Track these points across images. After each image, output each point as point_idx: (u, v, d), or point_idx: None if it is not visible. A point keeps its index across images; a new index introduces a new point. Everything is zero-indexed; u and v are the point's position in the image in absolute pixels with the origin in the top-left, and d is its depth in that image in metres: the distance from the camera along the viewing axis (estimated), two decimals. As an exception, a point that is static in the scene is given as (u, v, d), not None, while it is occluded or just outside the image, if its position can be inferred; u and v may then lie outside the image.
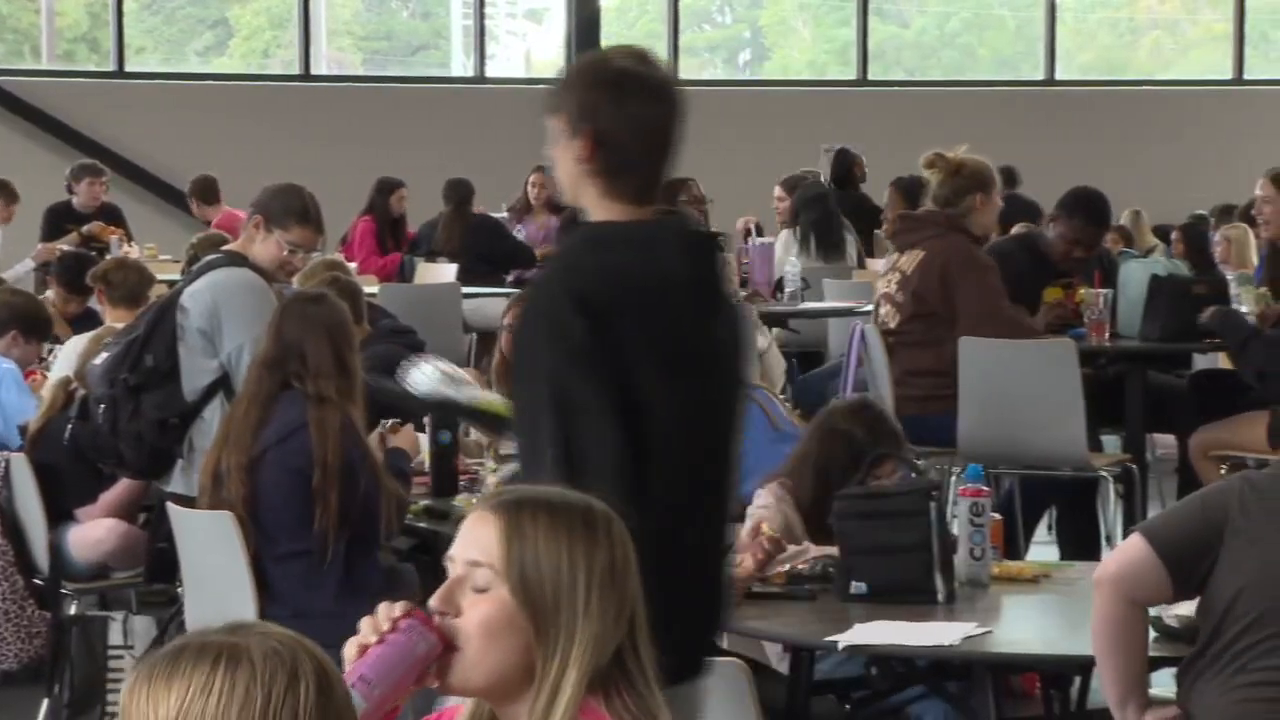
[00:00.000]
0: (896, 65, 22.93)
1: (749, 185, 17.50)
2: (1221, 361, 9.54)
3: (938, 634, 4.58)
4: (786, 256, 11.73)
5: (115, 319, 7.92)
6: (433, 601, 2.59)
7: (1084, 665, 4.48)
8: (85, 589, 7.16)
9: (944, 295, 7.91)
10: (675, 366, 3.55)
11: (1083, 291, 8.35)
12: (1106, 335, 8.29)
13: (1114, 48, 23.95)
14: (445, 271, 13.48)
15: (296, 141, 18.56)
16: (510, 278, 13.45)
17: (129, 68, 19.28)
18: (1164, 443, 9.94)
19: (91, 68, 19.86)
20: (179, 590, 6.39)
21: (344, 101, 19.83)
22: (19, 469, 7.05)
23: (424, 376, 5.95)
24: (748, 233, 13.18)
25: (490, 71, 21.31)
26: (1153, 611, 4.44)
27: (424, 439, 6.64)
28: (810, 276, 11.08)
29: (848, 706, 5.25)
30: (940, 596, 4.88)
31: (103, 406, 6.24)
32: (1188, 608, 4.38)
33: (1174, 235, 14.96)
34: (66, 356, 7.86)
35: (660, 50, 21.51)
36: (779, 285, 10.67)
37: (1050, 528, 8.78)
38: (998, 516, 5.28)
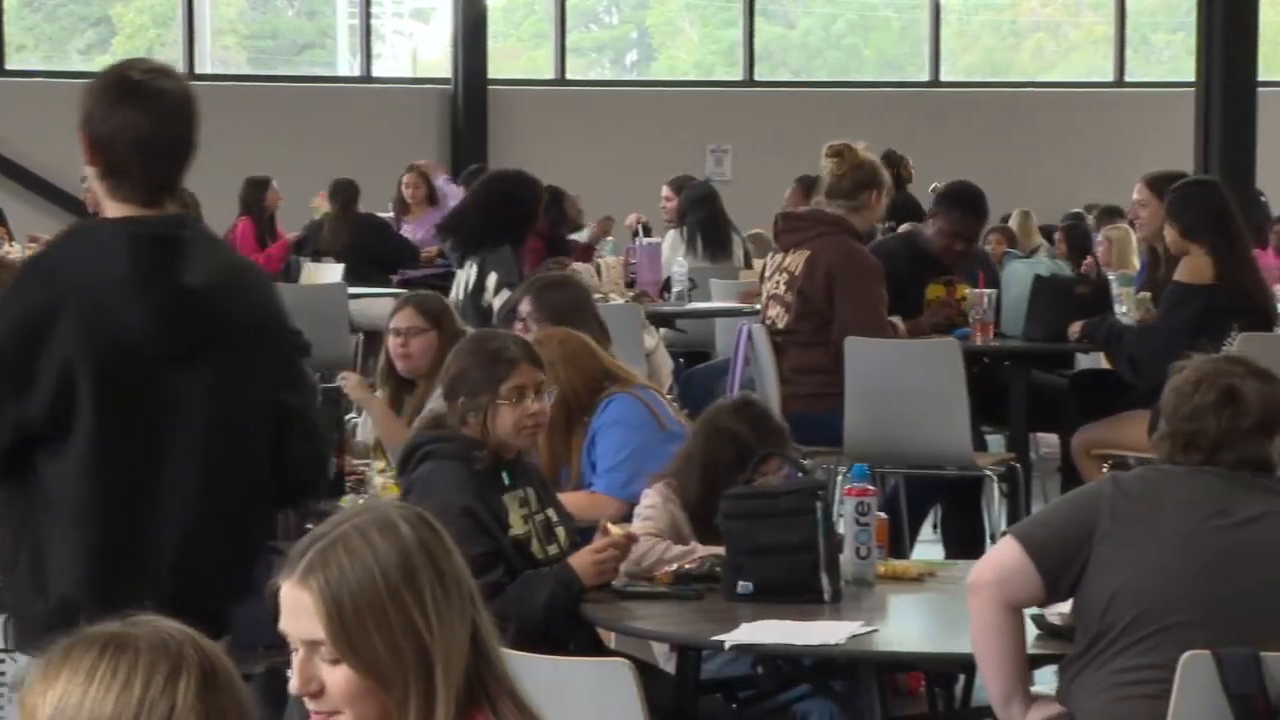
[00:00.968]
0: (783, 66, 23.01)
1: (636, 185, 17.53)
2: (1103, 361, 9.63)
3: (824, 633, 4.60)
4: (674, 257, 11.75)
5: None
6: (293, 688, 2.58)
7: (968, 664, 4.51)
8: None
9: (828, 299, 7.94)
10: (106, 360, 3.80)
11: (967, 291, 8.40)
12: (991, 335, 8.35)
13: (997, 49, 24.13)
14: (331, 272, 13.41)
15: (180, 140, 18.42)
16: (396, 278, 13.39)
17: (10, 65, 19.09)
18: (1047, 442, 10.02)
19: (-29, 65, 19.65)
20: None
21: (229, 101, 19.68)
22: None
23: None
24: (635, 233, 13.20)
25: (376, 71, 21.24)
26: (1035, 610, 4.47)
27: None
28: (697, 276, 11.10)
29: (734, 706, 5.26)
30: (826, 595, 4.89)
31: None
32: (1070, 606, 4.42)
33: (1056, 235, 15.11)
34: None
35: (548, 50, 21.55)
36: (666, 285, 10.68)
37: (935, 526, 8.84)
38: (883, 515, 5.30)
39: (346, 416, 8.18)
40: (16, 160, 18.23)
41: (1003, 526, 8.10)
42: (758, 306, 8.69)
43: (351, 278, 12.91)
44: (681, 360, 10.92)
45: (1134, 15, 23.10)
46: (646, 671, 4.73)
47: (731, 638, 4.57)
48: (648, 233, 13.11)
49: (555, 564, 4.99)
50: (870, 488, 5.22)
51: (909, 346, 7.89)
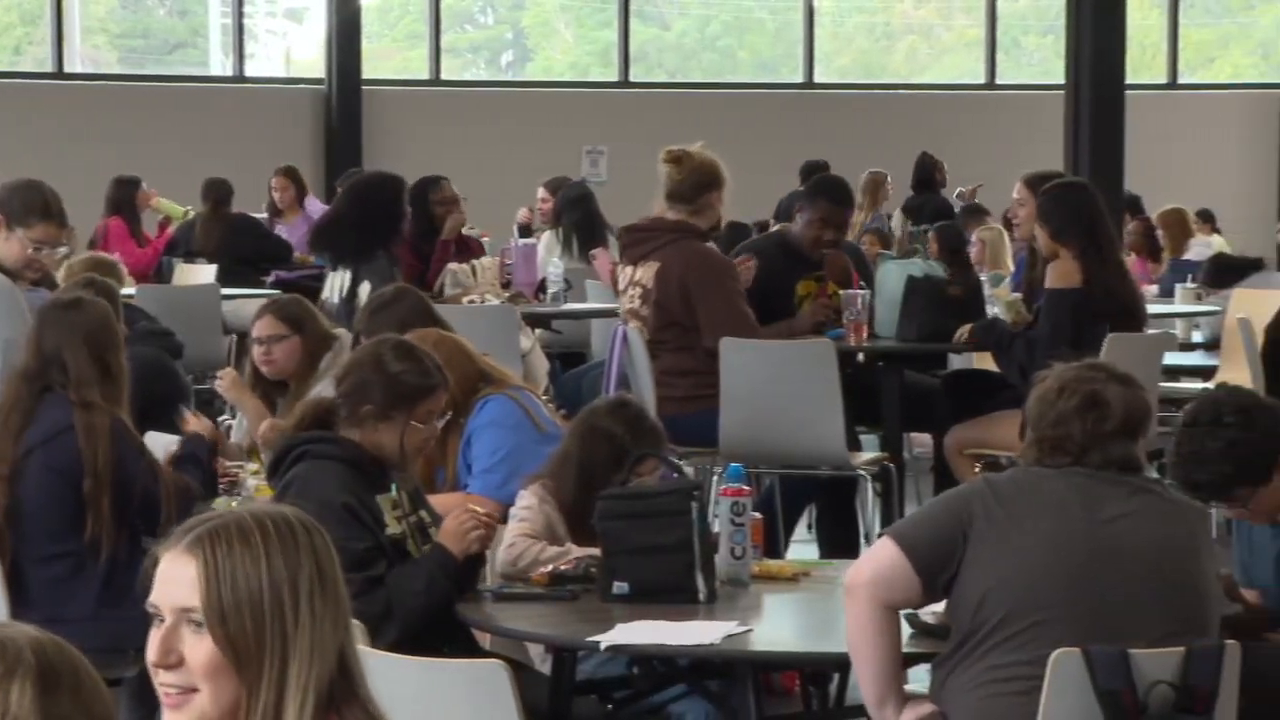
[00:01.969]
0: (658, 67, 23.05)
1: (511, 186, 17.50)
2: (976, 361, 9.71)
3: (699, 633, 4.61)
4: (549, 258, 11.73)
5: None
6: (150, 656, 2.57)
7: (842, 663, 4.54)
8: None
9: (686, 307, 7.95)
10: None
11: (840, 291, 8.44)
12: (865, 336, 8.39)
13: (871, 52, 24.28)
14: (204, 272, 13.30)
15: (50, 141, 18.24)
16: (270, 279, 13.30)
17: (-125, 64, 18.81)
18: (921, 441, 10.09)
19: None
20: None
21: (99, 100, 19.51)
22: None
23: None
24: (528, 228, 13.17)
25: (249, 71, 21.09)
26: (909, 609, 4.50)
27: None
28: (573, 277, 11.10)
29: (610, 706, 5.26)
30: (701, 596, 4.91)
31: None
32: (944, 605, 4.45)
33: (929, 236, 15.21)
34: None
35: (423, 51, 21.47)
36: (542, 286, 10.67)
37: (810, 526, 8.88)
38: (758, 516, 5.32)
39: (219, 418, 8.13)
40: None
41: (877, 526, 8.16)
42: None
43: (225, 278, 12.82)
44: (557, 361, 10.92)
45: (1005, 18, 23.31)
46: (522, 672, 4.73)
47: (607, 638, 4.57)
48: (524, 233, 13.09)
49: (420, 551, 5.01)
50: (745, 488, 5.24)
51: (784, 347, 7.92)
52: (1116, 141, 16.13)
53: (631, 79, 21.88)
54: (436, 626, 5.00)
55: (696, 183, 8.06)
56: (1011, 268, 12.87)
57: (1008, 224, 12.52)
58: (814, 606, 5.12)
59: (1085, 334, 7.78)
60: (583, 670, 5.06)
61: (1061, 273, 7.97)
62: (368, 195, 9.35)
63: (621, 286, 8.23)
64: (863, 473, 7.99)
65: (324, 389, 6.52)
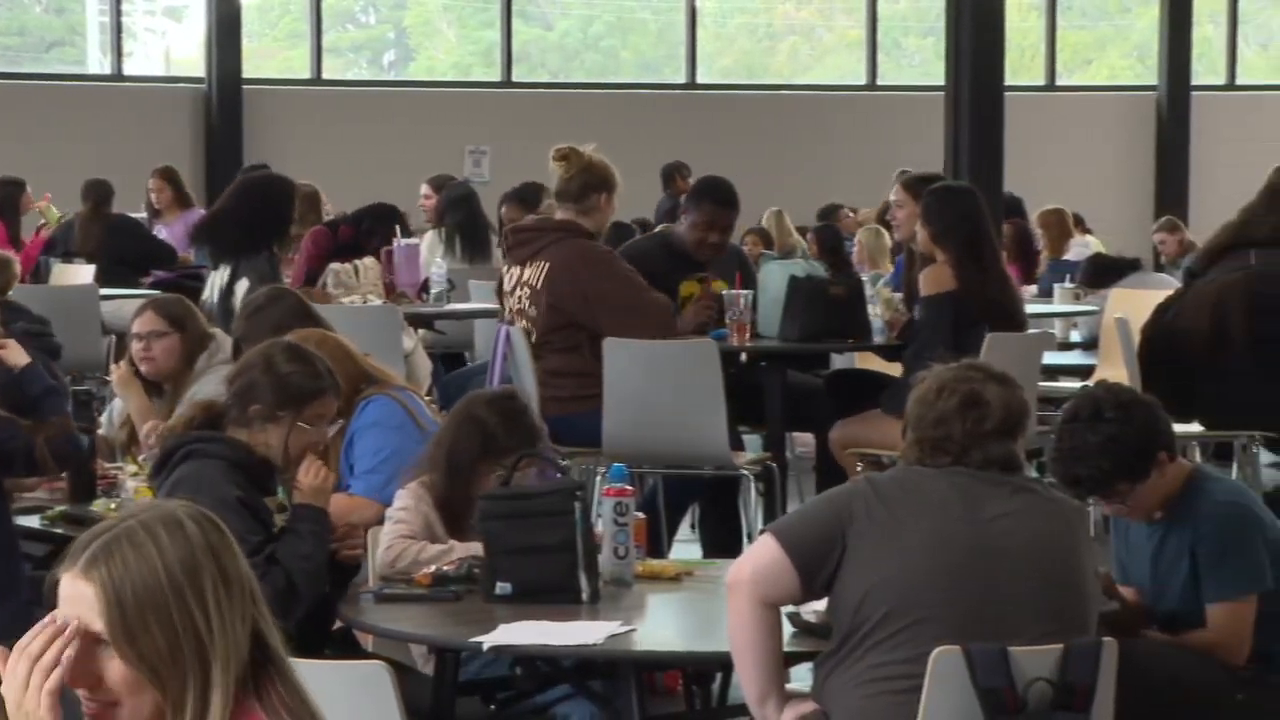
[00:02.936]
0: (541, 67, 23.03)
1: (394, 186, 17.43)
2: (858, 361, 9.76)
3: (582, 633, 4.61)
4: (432, 257, 11.69)
5: None
6: (67, 678, 2.53)
7: (725, 662, 4.55)
8: None
9: (582, 302, 7.91)
10: None
11: (724, 291, 8.46)
12: (748, 335, 8.41)
13: (753, 52, 24.36)
14: (82, 273, 13.18)
15: (-75, 139, 18.02)
16: (149, 279, 13.19)
17: None
18: (803, 441, 10.13)
19: None
20: None
21: (-25, 98, 19.29)
22: None
23: None
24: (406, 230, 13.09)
25: (128, 70, 20.91)
26: (791, 608, 4.52)
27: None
28: (456, 277, 11.06)
29: (493, 708, 5.25)
30: (585, 596, 4.91)
31: None
32: (825, 604, 4.47)
33: (809, 236, 15.29)
34: None
35: (304, 50, 21.36)
36: (425, 286, 10.63)
37: (693, 526, 8.89)
38: (641, 515, 5.33)
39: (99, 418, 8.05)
40: None
41: (760, 526, 8.18)
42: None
43: (104, 279, 12.71)
44: (440, 362, 10.89)
45: (885, 20, 23.45)
46: (404, 674, 4.72)
47: (490, 639, 4.57)
48: (406, 233, 13.03)
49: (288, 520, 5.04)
50: (628, 488, 5.24)
51: (666, 347, 7.93)
52: (996, 142, 16.22)
53: (514, 79, 21.86)
54: (318, 627, 4.98)
55: (584, 183, 8.04)
56: (890, 268, 12.94)
57: (886, 225, 12.59)
58: (697, 606, 5.13)
59: (964, 337, 7.84)
60: (466, 671, 5.05)
61: (935, 278, 8.03)
62: (256, 192, 9.31)
63: (508, 287, 8.18)
64: (745, 472, 8.01)
65: (201, 389, 6.49)
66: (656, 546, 7.23)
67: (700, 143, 20.42)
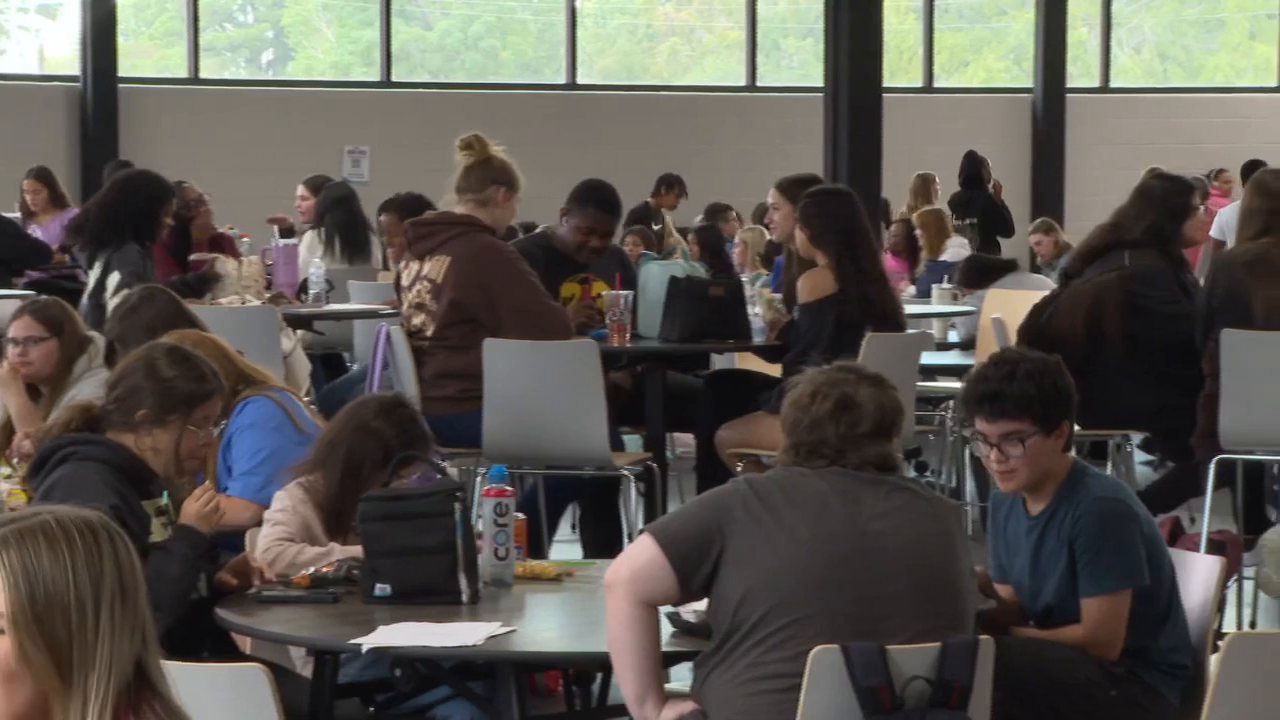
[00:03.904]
0: (421, 67, 22.96)
1: (272, 186, 17.34)
2: (738, 362, 9.80)
3: (462, 634, 4.61)
4: (311, 258, 11.64)
5: None
6: None
7: (605, 663, 4.55)
8: None
9: (485, 298, 7.86)
10: None
11: (604, 292, 8.46)
12: (628, 336, 8.42)
13: (633, 53, 24.39)
14: (-44, 273, 13.02)
15: None
16: (24, 280, 13.04)
17: None
18: (684, 441, 10.16)
19: None
20: None
21: None
22: None
23: None
24: (290, 231, 13.03)
25: (1, 67, 20.68)
26: (670, 609, 4.53)
27: None
28: (335, 278, 11.01)
29: (372, 710, 5.23)
30: (465, 597, 4.90)
31: None
32: (705, 604, 4.48)
33: (690, 237, 15.32)
34: None
35: (181, 49, 21.20)
36: (303, 287, 10.57)
37: (574, 526, 8.90)
38: (521, 516, 5.33)
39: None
40: None
41: (640, 525, 8.19)
42: (399, 310, 8.60)
43: (-24, 279, 12.56)
44: (319, 362, 10.84)
45: (765, 21, 23.53)
46: (283, 676, 4.69)
47: (369, 640, 4.55)
48: (286, 234, 12.96)
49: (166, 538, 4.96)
50: (508, 488, 5.24)
51: (547, 347, 7.92)
52: (875, 143, 16.33)
53: (394, 79, 21.78)
54: (195, 630, 4.94)
55: (481, 175, 8.00)
56: (768, 270, 13.00)
57: (766, 226, 12.64)
58: (577, 606, 5.13)
59: (844, 337, 7.88)
60: (345, 673, 5.03)
61: (814, 283, 8.07)
62: (129, 188, 9.26)
63: (406, 282, 8.12)
64: (626, 472, 8.02)
65: (79, 392, 6.43)
66: (536, 547, 7.23)
67: (580, 144, 20.43)
